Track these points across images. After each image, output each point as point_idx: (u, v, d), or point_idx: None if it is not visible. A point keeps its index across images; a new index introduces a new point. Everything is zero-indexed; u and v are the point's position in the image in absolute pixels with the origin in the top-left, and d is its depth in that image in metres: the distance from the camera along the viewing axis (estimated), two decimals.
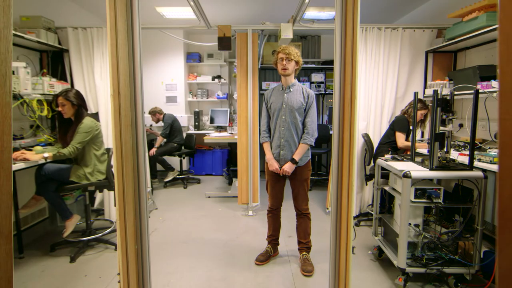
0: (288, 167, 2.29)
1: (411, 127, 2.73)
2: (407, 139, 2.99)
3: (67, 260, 2.53)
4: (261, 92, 4.96)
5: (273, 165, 2.34)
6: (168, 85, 5.49)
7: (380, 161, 2.46)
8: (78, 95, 2.61)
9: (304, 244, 2.46)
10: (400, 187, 2.13)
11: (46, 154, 2.44)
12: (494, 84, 2.37)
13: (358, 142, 3.31)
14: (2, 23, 0.76)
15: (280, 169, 2.33)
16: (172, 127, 4.78)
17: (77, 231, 2.85)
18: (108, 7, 1.35)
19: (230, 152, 5.51)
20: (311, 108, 2.31)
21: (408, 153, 2.90)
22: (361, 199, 3.44)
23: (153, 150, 4.63)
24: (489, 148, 2.52)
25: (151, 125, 5.19)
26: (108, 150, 2.78)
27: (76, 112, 2.58)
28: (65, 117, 2.58)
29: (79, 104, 2.58)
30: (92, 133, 2.57)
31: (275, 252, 2.61)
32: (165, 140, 4.80)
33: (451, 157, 2.16)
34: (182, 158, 5.00)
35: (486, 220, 2.74)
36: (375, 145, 3.25)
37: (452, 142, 2.60)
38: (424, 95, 3.36)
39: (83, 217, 2.97)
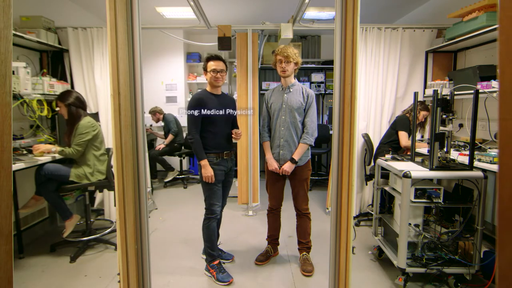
0: (288, 167, 2.29)
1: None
2: (409, 139, 3.00)
3: (67, 260, 2.53)
4: (261, 92, 4.96)
5: (272, 164, 2.35)
6: (168, 85, 5.49)
7: (380, 161, 2.46)
8: (74, 96, 2.61)
9: (304, 244, 2.46)
10: (400, 187, 2.13)
11: (54, 149, 2.57)
12: (494, 84, 2.37)
13: (358, 142, 3.31)
14: (2, 23, 0.77)
15: (280, 168, 2.33)
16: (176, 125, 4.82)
17: (77, 231, 2.85)
18: (108, 7, 1.35)
19: None
20: (310, 108, 2.31)
21: (408, 153, 2.90)
22: (361, 199, 3.44)
23: (161, 146, 4.71)
24: (489, 148, 2.52)
25: (151, 125, 5.19)
26: (108, 150, 2.78)
27: (71, 114, 2.58)
28: (65, 118, 2.60)
29: (74, 104, 2.58)
30: (90, 133, 2.57)
31: (275, 252, 2.61)
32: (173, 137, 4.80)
33: (451, 157, 2.16)
34: (182, 158, 5.01)
35: (486, 220, 2.74)
36: (375, 145, 3.25)
37: (452, 142, 2.60)
38: (424, 95, 3.36)
39: (83, 217, 2.97)
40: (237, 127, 2.44)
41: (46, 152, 2.62)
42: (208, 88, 2.31)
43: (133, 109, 1.48)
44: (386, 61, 3.30)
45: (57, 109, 2.61)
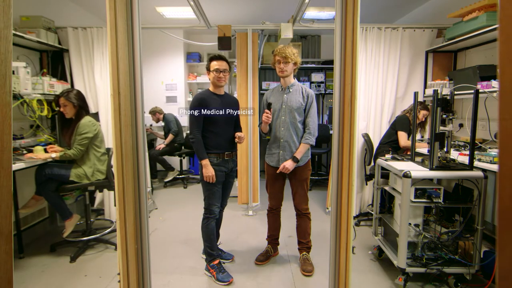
0: (289, 164, 2.28)
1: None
2: (409, 139, 3.00)
3: (67, 260, 2.53)
4: (261, 92, 4.96)
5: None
6: (168, 85, 5.49)
7: (380, 161, 2.46)
8: (80, 96, 2.62)
9: (304, 244, 2.46)
10: (400, 187, 2.13)
11: (53, 155, 2.51)
12: (494, 84, 2.37)
13: (358, 142, 3.31)
14: (2, 23, 0.77)
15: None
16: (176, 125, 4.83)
17: (77, 231, 2.85)
18: (108, 7, 1.35)
19: None
20: (311, 107, 2.31)
21: (408, 153, 2.90)
22: (361, 199, 3.44)
23: (161, 146, 4.71)
24: (489, 148, 2.52)
25: (151, 125, 5.20)
26: (108, 150, 2.78)
27: (76, 113, 2.59)
28: (67, 117, 2.59)
29: (80, 105, 2.59)
30: (91, 132, 2.57)
31: (275, 252, 2.61)
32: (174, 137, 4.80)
33: (451, 157, 2.16)
34: (182, 158, 5.01)
35: (486, 220, 2.74)
36: (375, 145, 3.25)
37: (452, 142, 2.60)
38: (424, 95, 3.36)
39: (83, 217, 2.97)
40: (239, 128, 2.43)
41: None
42: (211, 88, 2.32)
43: (133, 109, 1.48)
44: (386, 61, 3.29)
45: (60, 109, 2.56)
